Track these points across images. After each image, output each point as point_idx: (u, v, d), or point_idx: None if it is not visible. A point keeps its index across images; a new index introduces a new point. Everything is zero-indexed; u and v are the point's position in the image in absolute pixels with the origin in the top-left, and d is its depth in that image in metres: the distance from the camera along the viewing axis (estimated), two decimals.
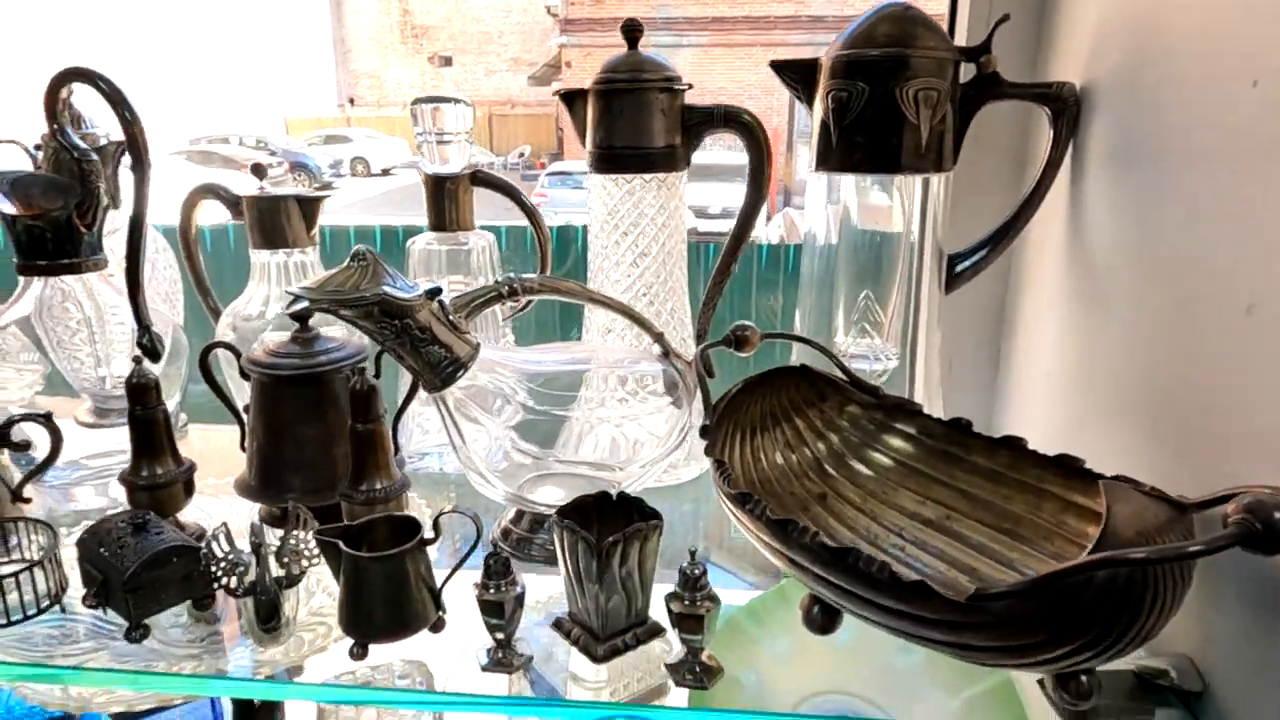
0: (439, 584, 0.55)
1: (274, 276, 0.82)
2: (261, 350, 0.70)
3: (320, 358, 0.69)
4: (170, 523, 0.68)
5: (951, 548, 0.62)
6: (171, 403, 0.80)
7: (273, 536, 0.57)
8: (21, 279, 0.73)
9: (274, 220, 0.80)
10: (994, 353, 0.83)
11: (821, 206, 0.76)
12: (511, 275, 0.62)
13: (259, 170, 0.81)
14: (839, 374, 0.71)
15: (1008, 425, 0.80)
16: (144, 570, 0.54)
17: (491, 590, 0.52)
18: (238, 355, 0.72)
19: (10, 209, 0.67)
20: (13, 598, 0.55)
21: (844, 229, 0.75)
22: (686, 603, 0.51)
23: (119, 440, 0.81)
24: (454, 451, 0.64)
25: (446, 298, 0.59)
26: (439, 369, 0.58)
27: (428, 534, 0.54)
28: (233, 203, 0.83)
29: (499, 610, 0.52)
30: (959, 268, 0.74)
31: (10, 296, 0.75)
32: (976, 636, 0.44)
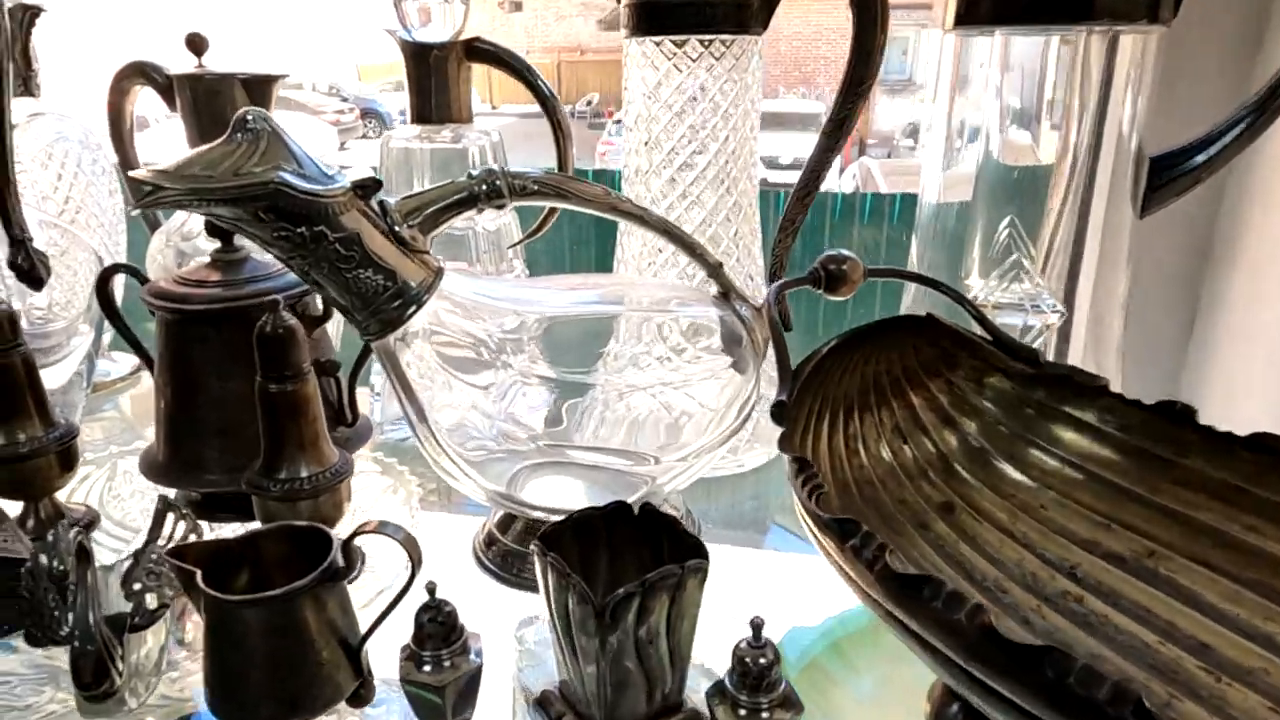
0: (360, 637, 0.36)
1: None
2: (170, 278, 0.51)
3: (245, 288, 0.50)
4: (46, 508, 0.50)
5: (1158, 604, 0.40)
6: (83, 347, 0.62)
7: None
8: None
9: (214, 107, 0.61)
10: (1190, 303, 0.58)
11: (958, 88, 0.52)
12: (494, 169, 0.41)
13: (196, 42, 0.62)
14: (977, 330, 0.49)
15: (1212, 413, 0.56)
16: None
17: (427, 667, 0.32)
18: (142, 281, 0.53)
19: None
20: None
21: (985, 121, 0.52)
22: (744, 712, 0.30)
23: None
24: (410, 429, 0.45)
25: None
26: (374, 303, 0.38)
27: (338, 560, 0.34)
28: (165, 86, 0.64)
29: (436, 696, 0.32)
30: (1167, 175, 0.50)
31: None
32: None
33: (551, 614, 0.34)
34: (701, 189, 0.55)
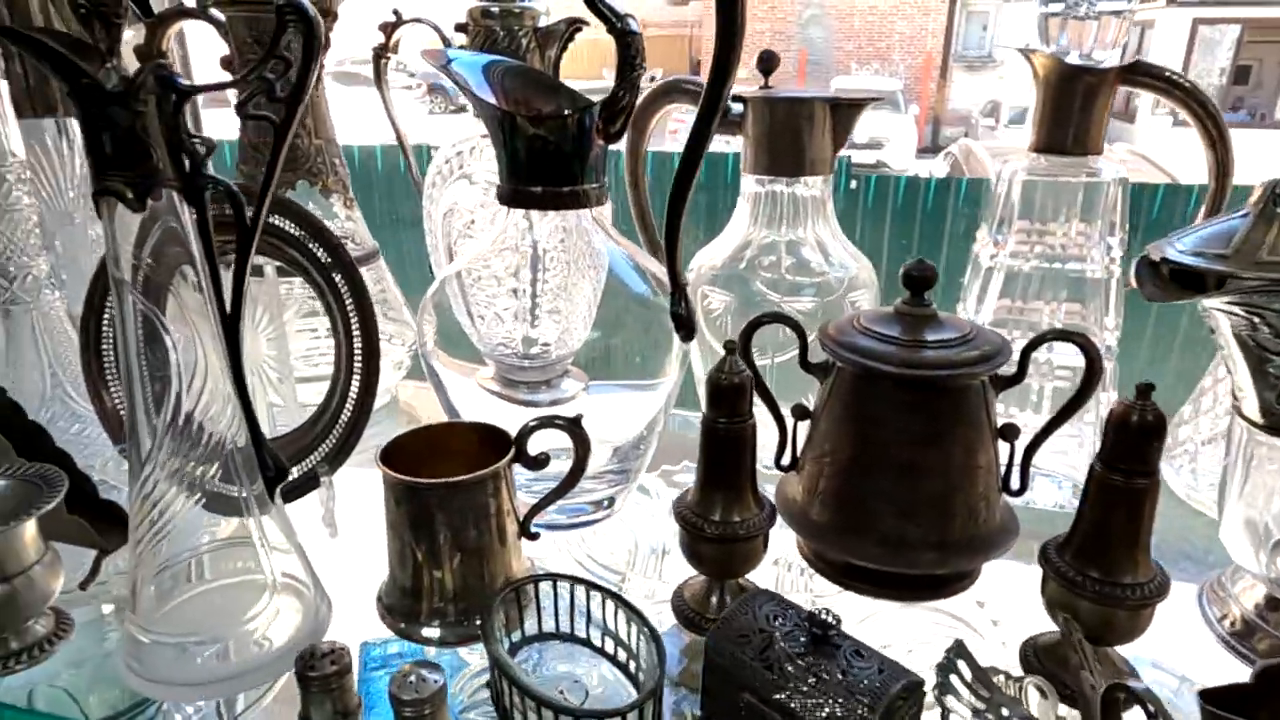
0: None
1: (782, 214, 0.58)
2: (848, 326, 0.46)
3: (954, 351, 0.44)
4: (731, 588, 0.46)
5: None
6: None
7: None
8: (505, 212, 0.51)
9: (792, 132, 0.56)
10: None
11: None
12: None
13: (768, 61, 0.57)
14: None
15: None
16: None
17: None
18: (801, 334, 0.48)
19: (503, 104, 0.45)
20: None
21: None
22: None
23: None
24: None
25: None
26: None
27: None
28: None
29: None
30: None
31: None
32: None
33: None
34: None
